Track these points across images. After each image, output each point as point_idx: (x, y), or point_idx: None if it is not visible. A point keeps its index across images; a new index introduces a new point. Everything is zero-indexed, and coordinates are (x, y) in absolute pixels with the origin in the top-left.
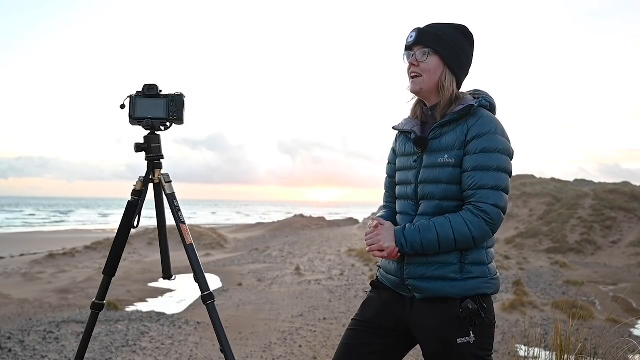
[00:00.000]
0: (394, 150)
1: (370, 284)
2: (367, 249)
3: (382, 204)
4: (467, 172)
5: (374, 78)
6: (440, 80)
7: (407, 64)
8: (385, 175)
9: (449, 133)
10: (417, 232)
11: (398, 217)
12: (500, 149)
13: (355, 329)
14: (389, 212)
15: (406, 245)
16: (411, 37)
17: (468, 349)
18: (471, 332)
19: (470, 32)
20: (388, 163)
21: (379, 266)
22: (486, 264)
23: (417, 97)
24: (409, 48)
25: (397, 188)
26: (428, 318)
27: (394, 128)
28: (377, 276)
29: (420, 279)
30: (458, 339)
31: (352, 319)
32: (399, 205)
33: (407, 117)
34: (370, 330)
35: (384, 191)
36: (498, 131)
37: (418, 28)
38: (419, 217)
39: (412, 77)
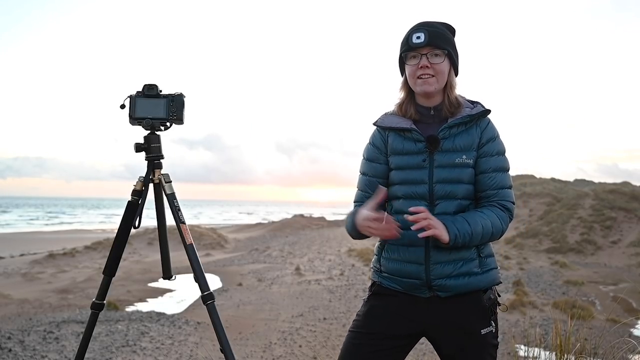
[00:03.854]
0: (377, 147)
1: (372, 292)
2: (419, 226)
3: (355, 204)
4: (487, 174)
5: (369, 78)
6: (449, 81)
7: (414, 65)
8: (363, 175)
9: (461, 134)
10: (466, 224)
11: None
12: (505, 151)
13: (361, 343)
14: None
15: (459, 236)
16: (418, 37)
17: (489, 338)
18: (492, 322)
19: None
20: (369, 161)
21: (380, 270)
22: (494, 256)
23: (406, 97)
24: (415, 48)
25: (397, 187)
26: (451, 314)
27: (377, 125)
28: (378, 282)
29: (448, 277)
30: (482, 330)
31: (354, 331)
32: (403, 205)
33: (388, 113)
34: (380, 342)
35: (361, 191)
36: (499, 135)
37: (425, 28)
38: (438, 216)
39: (424, 78)
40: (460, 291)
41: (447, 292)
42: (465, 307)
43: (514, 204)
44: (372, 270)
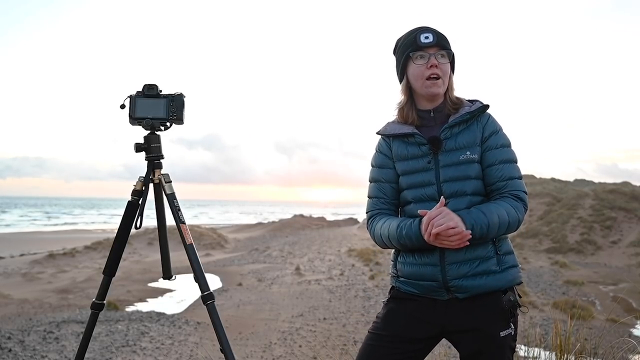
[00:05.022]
0: (384, 154)
1: (391, 296)
2: (437, 230)
3: (369, 213)
4: (494, 166)
5: (368, 78)
6: (450, 83)
7: (421, 65)
8: (375, 182)
9: (463, 132)
10: (482, 215)
11: (415, 220)
12: (510, 144)
13: (379, 345)
14: (394, 219)
15: (476, 227)
16: (427, 37)
17: (508, 341)
18: (511, 324)
19: None
20: (379, 167)
21: (397, 276)
22: (513, 253)
23: (407, 101)
24: (422, 48)
25: (407, 192)
26: (470, 316)
27: (380, 134)
28: (395, 286)
29: (465, 278)
30: (501, 332)
31: (372, 333)
32: (414, 209)
33: (391, 121)
34: (398, 345)
35: (375, 198)
36: (502, 128)
37: (431, 30)
38: None
39: (432, 79)
40: (479, 292)
41: (465, 293)
42: (484, 309)
43: (526, 193)
44: (390, 275)
